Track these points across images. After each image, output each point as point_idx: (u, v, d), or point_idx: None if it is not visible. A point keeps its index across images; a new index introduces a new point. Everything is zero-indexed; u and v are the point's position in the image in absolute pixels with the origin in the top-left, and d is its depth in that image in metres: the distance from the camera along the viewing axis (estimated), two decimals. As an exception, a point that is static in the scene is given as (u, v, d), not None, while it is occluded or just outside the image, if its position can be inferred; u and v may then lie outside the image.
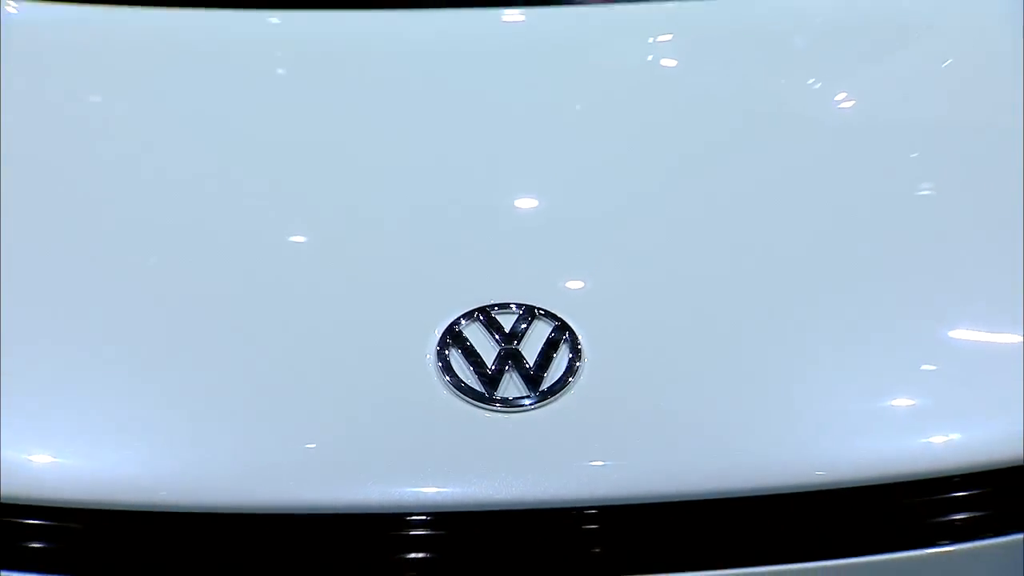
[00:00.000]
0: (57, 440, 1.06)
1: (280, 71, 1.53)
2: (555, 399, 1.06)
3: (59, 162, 1.34)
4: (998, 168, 1.33)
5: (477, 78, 1.50)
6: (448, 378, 1.07)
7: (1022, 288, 1.18)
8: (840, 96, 1.49)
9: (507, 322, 1.11)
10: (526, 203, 1.32)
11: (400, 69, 1.50)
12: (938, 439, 1.06)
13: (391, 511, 1.03)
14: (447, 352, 1.09)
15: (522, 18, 1.56)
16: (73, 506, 1.02)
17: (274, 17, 1.56)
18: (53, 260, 1.21)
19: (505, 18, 1.57)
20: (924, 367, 1.12)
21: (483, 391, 1.07)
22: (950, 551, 1.04)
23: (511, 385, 1.07)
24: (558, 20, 1.57)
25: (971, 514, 1.05)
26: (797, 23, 1.57)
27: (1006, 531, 1.05)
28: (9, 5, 1.56)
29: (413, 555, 1.02)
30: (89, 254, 1.21)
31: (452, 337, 1.09)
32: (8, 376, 1.09)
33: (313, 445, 1.06)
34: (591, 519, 1.03)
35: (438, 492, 1.03)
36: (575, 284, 1.18)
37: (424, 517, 1.03)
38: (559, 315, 1.11)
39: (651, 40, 1.57)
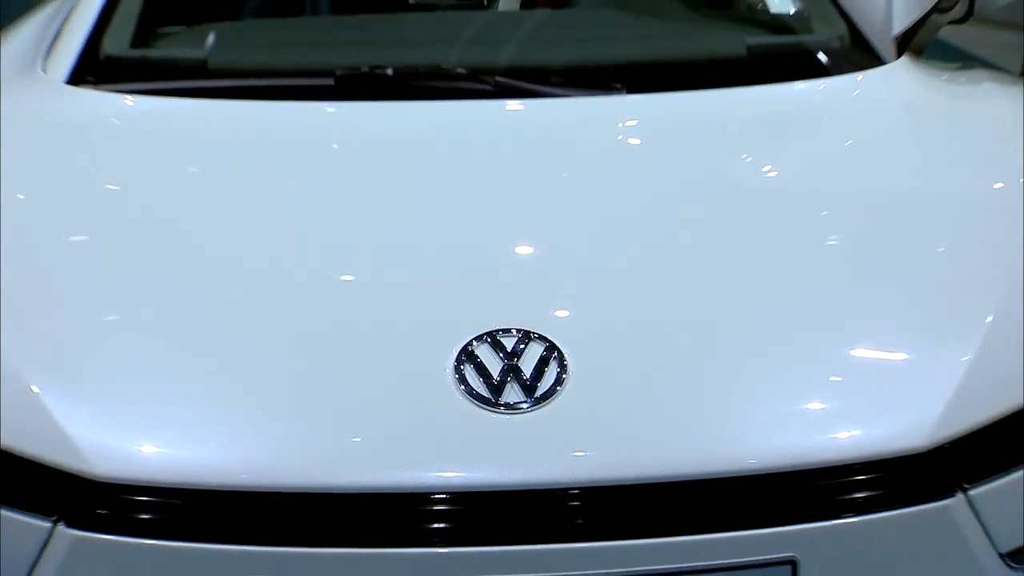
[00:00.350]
0: (163, 434, 1.06)
1: (334, 146, 1.52)
2: (546, 404, 1.06)
3: (163, 214, 1.33)
4: (892, 222, 1.32)
5: (486, 153, 1.48)
6: (463, 387, 1.07)
7: (908, 320, 1.18)
8: (766, 168, 1.48)
9: (509, 343, 1.10)
10: (524, 251, 1.31)
11: (425, 144, 1.49)
12: (843, 435, 1.06)
13: (419, 491, 1.03)
14: (462, 367, 1.08)
15: (521, 107, 1.55)
16: (173, 486, 1.02)
17: (329, 107, 1.56)
18: (160, 296, 1.20)
19: (508, 107, 1.56)
20: (832, 379, 1.12)
21: (490, 397, 1.06)
22: (852, 522, 1.04)
23: (512, 393, 1.07)
24: (548, 109, 1.56)
25: (868, 493, 1.05)
26: (731, 114, 1.56)
27: (895, 507, 1.05)
28: (127, 98, 1.56)
29: (436, 525, 1.02)
30: (186, 293, 1.20)
31: (466, 355, 1.09)
32: (128, 388, 1.10)
33: (359, 439, 1.06)
34: (573, 497, 1.03)
35: (455, 476, 1.03)
36: (562, 313, 1.17)
37: (444, 495, 1.03)
38: (550, 338, 1.10)
39: (620, 124, 1.56)
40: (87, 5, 1.69)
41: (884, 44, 1.65)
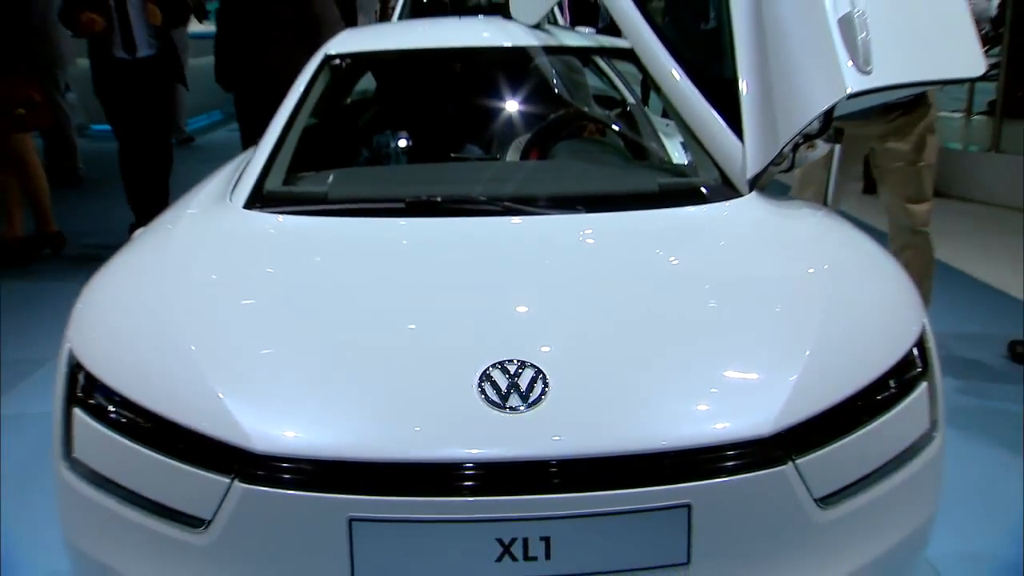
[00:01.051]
0: (299, 425, 1.07)
1: (404, 243, 1.50)
2: (535, 408, 1.07)
3: (300, 286, 1.34)
4: (747, 292, 1.32)
5: (498, 248, 1.48)
6: (483, 397, 1.08)
7: (757, 354, 1.18)
8: (671, 258, 1.48)
9: (512, 368, 1.11)
10: (521, 310, 1.30)
11: (460, 243, 1.48)
12: (719, 426, 1.07)
13: (455, 462, 1.03)
14: (482, 383, 1.09)
15: (520, 221, 1.55)
16: (305, 457, 1.04)
17: (402, 221, 1.55)
18: (297, 337, 1.21)
19: (512, 221, 1.55)
20: (712, 391, 1.13)
21: (500, 403, 1.07)
22: (724, 480, 1.05)
23: (513, 400, 1.08)
24: (536, 221, 1.55)
25: (734, 463, 1.06)
26: (649, 225, 1.55)
27: (751, 471, 1.06)
28: (279, 216, 1.57)
29: (465, 483, 1.03)
30: (313, 335, 1.20)
31: (484, 376, 1.10)
32: (277, 395, 1.11)
33: (419, 429, 1.07)
34: (552, 466, 1.04)
35: (478, 452, 1.04)
36: (546, 349, 1.17)
37: (471, 464, 1.04)
38: (538, 365, 1.11)
39: (580, 232, 1.54)
40: (255, 163, 1.74)
41: (741, 183, 1.66)
